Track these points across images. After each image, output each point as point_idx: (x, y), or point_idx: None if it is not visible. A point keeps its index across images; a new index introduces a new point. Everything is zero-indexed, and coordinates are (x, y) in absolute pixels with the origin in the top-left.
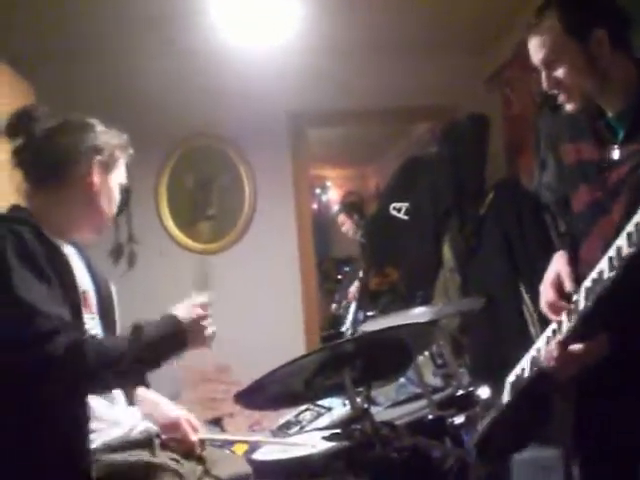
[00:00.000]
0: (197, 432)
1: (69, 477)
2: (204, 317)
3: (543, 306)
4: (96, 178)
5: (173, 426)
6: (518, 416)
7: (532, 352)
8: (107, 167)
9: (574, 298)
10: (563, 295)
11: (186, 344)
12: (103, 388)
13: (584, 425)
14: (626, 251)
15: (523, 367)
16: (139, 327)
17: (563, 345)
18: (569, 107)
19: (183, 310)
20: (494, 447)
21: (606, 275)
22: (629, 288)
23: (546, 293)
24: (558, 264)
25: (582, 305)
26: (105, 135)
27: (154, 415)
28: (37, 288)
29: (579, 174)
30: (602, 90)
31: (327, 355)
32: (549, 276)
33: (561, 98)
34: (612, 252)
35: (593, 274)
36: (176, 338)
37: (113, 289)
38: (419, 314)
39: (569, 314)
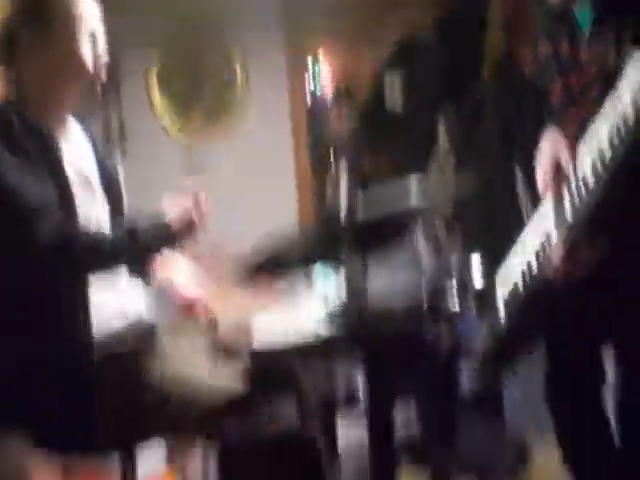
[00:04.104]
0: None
1: (69, 369)
2: (193, 208)
3: (539, 184)
4: None
5: (187, 308)
6: (516, 334)
7: (523, 266)
8: None
9: (573, 180)
10: (559, 170)
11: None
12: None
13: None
14: (608, 155)
15: (517, 282)
16: (134, 229)
17: (568, 257)
18: None
19: (171, 206)
20: (497, 365)
21: (591, 181)
22: (616, 193)
23: (542, 170)
24: (554, 139)
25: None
26: None
27: (170, 291)
28: (18, 171)
29: (556, 64)
30: None
31: (321, 236)
32: (545, 152)
33: None
34: (595, 155)
35: (577, 179)
36: (168, 240)
37: (121, 174)
38: (413, 195)
39: (557, 220)
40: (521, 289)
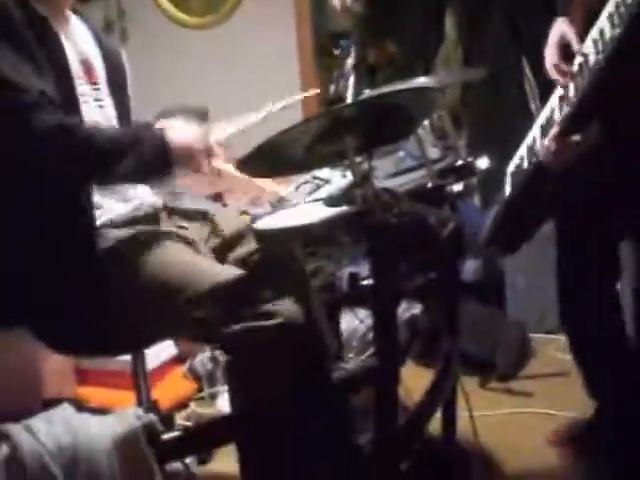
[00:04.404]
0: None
1: (73, 254)
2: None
3: (548, 68)
4: None
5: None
6: (522, 208)
7: (528, 140)
8: None
9: (577, 60)
10: (568, 57)
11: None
12: (94, 180)
13: (572, 200)
14: (609, 33)
15: (522, 156)
16: (138, 133)
17: (559, 138)
18: None
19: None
20: (502, 241)
21: (592, 59)
22: (616, 72)
23: (551, 54)
24: (562, 26)
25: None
26: None
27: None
28: (14, 59)
29: None
30: None
31: (326, 121)
32: (553, 38)
33: None
34: (595, 34)
35: (579, 58)
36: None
37: (124, 58)
38: (420, 82)
39: (562, 99)
40: (526, 162)
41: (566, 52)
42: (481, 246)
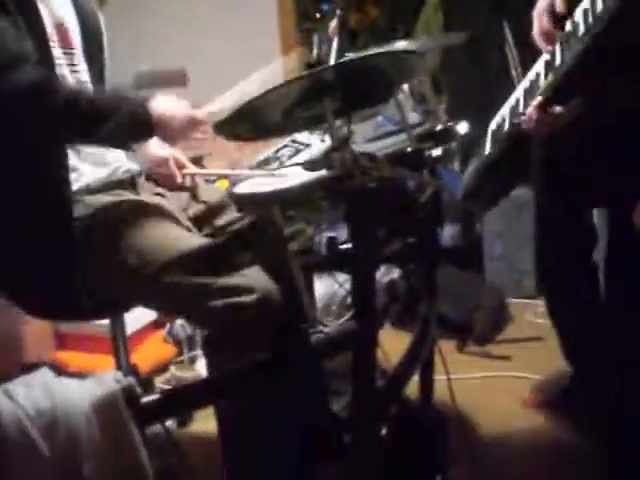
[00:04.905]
0: (184, 169)
1: (49, 221)
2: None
3: (536, 34)
4: None
5: (162, 162)
6: (500, 165)
7: (511, 101)
8: None
9: (567, 28)
10: (556, 23)
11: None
12: (73, 140)
13: (552, 163)
14: (600, 5)
15: (503, 116)
16: (120, 98)
17: (541, 107)
18: None
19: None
20: (480, 196)
21: (581, 30)
22: (604, 44)
23: (539, 20)
24: None
25: (557, 58)
26: None
27: (144, 152)
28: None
29: None
30: None
31: (306, 84)
32: (541, 3)
33: None
34: (586, 3)
35: (567, 26)
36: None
37: (102, 22)
38: (400, 46)
39: (548, 66)
40: (507, 123)
41: (555, 17)
42: (458, 202)
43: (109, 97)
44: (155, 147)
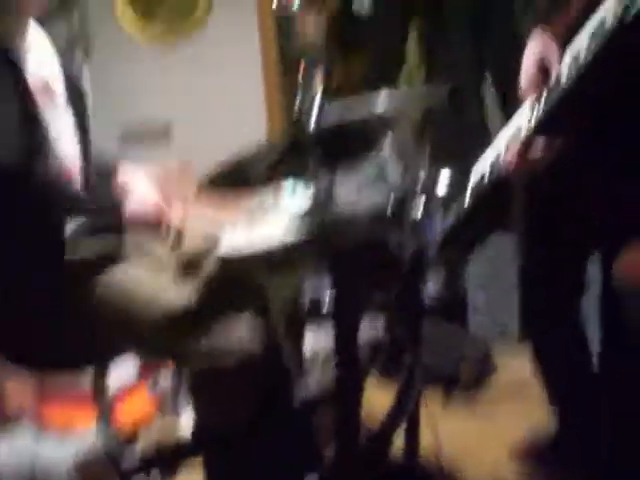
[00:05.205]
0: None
1: (37, 264)
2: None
3: (522, 87)
4: None
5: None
6: (479, 213)
7: (492, 149)
8: None
9: (552, 79)
10: (543, 77)
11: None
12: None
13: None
14: (583, 57)
15: (484, 171)
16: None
17: (522, 150)
18: None
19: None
20: (458, 244)
21: (564, 80)
22: (586, 94)
23: (526, 73)
24: (543, 43)
25: (540, 108)
26: None
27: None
28: None
29: None
30: None
31: (288, 145)
32: (533, 54)
33: None
34: (571, 56)
35: (552, 76)
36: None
37: (86, 76)
38: (383, 102)
39: (529, 117)
40: (488, 175)
41: (541, 70)
42: (437, 250)
43: (85, 195)
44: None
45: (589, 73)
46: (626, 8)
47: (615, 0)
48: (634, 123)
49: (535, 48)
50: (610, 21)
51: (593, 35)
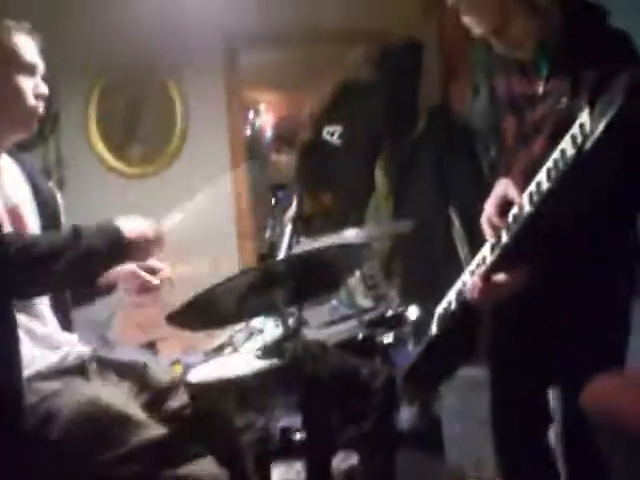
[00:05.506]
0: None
1: None
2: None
3: (484, 222)
4: None
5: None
6: (446, 347)
7: (458, 285)
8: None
9: (513, 211)
10: (505, 212)
11: (124, 256)
12: (33, 287)
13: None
14: (545, 186)
15: (450, 300)
16: (78, 229)
17: (486, 276)
18: (499, 48)
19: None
20: (423, 379)
21: (526, 210)
22: (547, 223)
23: (489, 209)
24: (504, 185)
25: (503, 238)
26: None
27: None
28: None
29: (509, 106)
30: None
31: (259, 275)
32: (495, 195)
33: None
34: (532, 187)
35: (514, 209)
36: (115, 248)
37: (60, 204)
38: (350, 236)
39: (492, 248)
40: (454, 304)
41: (505, 208)
42: (400, 384)
43: (63, 233)
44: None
45: (549, 202)
46: (584, 138)
47: (576, 131)
48: (593, 252)
49: (498, 190)
50: (570, 151)
51: (554, 165)
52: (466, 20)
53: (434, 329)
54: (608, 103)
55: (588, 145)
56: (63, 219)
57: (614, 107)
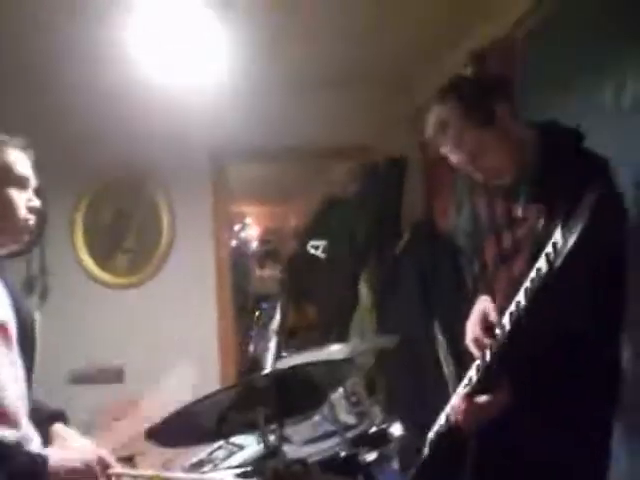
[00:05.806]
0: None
1: None
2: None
3: (468, 342)
4: None
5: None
6: (436, 468)
7: (448, 408)
8: None
9: (496, 332)
10: (487, 332)
11: None
12: None
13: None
14: (522, 305)
15: (441, 422)
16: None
17: (468, 398)
18: (478, 177)
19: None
20: None
21: (507, 329)
22: (526, 341)
23: (471, 330)
24: (485, 303)
25: (487, 358)
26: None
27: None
28: None
29: (490, 226)
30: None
31: (240, 391)
32: (476, 313)
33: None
34: (512, 307)
35: (497, 330)
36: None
37: (37, 320)
38: (334, 351)
39: (478, 368)
40: (444, 427)
41: (487, 326)
42: None
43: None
44: (74, 448)
45: (527, 320)
46: (556, 255)
47: (549, 249)
48: (570, 370)
49: (477, 308)
50: (544, 269)
51: (531, 284)
52: (444, 150)
53: (426, 450)
54: (577, 221)
55: (559, 262)
56: (37, 342)
57: (581, 224)
